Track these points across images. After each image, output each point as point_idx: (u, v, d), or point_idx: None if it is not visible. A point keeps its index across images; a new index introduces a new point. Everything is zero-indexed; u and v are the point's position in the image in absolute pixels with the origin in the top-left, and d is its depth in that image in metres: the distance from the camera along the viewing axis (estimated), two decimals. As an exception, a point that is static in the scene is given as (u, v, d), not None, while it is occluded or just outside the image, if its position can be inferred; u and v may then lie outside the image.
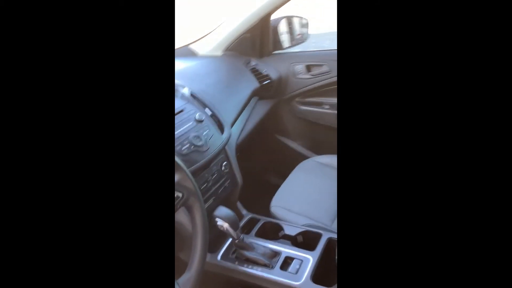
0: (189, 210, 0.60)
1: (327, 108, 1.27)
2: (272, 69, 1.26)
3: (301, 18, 1.42)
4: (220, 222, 0.74)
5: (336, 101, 1.25)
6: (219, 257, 0.80)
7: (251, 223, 0.92)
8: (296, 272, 0.74)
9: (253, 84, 1.17)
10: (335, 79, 1.21)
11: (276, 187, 1.07)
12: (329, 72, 1.22)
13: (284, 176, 1.14)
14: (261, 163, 1.43)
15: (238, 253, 0.80)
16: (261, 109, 1.23)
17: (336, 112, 1.26)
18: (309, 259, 0.76)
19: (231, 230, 0.74)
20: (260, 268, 0.76)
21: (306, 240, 0.84)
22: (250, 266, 0.77)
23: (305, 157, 1.25)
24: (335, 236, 0.82)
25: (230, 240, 0.84)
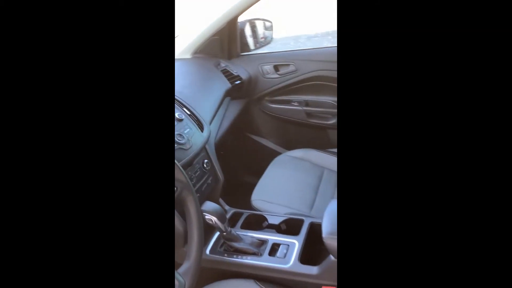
0: (183, 202, 0.62)
1: (295, 105, 1.34)
2: (242, 70, 1.30)
3: (265, 21, 1.49)
4: (208, 216, 0.76)
5: (304, 99, 1.33)
6: (207, 251, 0.82)
7: (235, 217, 0.95)
8: (284, 256, 0.78)
9: (225, 84, 1.20)
10: (302, 77, 1.29)
11: (252, 183, 1.11)
12: (296, 71, 1.29)
13: (258, 172, 1.18)
14: (237, 161, 1.46)
15: (226, 245, 0.83)
16: (233, 109, 1.27)
17: (304, 108, 1.33)
18: (294, 243, 0.81)
19: (219, 223, 0.76)
20: (249, 257, 0.79)
21: (289, 227, 0.89)
22: (239, 256, 0.80)
23: (277, 153, 1.30)
24: (315, 220, 0.88)
25: (216, 234, 0.86)
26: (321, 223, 0.84)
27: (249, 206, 1.03)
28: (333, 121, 1.31)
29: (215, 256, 0.81)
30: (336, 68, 1.24)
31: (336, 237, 0.68)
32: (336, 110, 1.29)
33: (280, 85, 1.32)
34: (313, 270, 0.73)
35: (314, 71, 1.26)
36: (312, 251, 0.83)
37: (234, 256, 0.80)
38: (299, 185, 1.10)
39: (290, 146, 1.37)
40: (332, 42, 3.94)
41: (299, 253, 0.78)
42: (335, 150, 1.36)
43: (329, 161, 1.20)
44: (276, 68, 1.32)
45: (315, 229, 0.85)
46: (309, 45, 3.97)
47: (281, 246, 0.81)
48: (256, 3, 1.17)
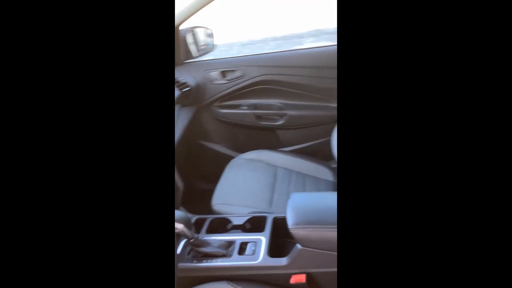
0: None
1: (244, 109, 1.39)
2: (188, 77, 1.30)
3: (206, 28, 1.51)
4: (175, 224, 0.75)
5: (252, 102, 1.38)
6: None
7: (199, 223, 0.95)
8: (253, 253, 0.81)
9: (174, 92, 1.19)
10: (249, 82, 1.34)
11: (208, 189, 1.12)
12: (242, 76, 1.34)
13: (213, 178, 1.20)
14: (191, 169, 1.45)
15: (194, 252, 0.83)
16: (184, 116, 1.26)
17: (253, 111, 1.39)
18: (261, 239, 0.84)
19: (186, 230, 0.76)
20: (219, 259, 0.80)
21: (254, 225, 0.92)
22: (209, 260, 0.80)
23: (230, 158, 1.33)
24: (277, 215, 0.93)
25: (183, 242, 0.85)
26: (283, 217, 0.89)
27: (210, 211, 1.04)
28: (281, 121, 1.38)
29: (184, 264, 0.80)
30: (280, 72, 1.32)
31: (300, 226, 0.73)
32: (282, 111, 1.37)
33: (228, 91, 1.36)
34: (282, 261, 0.78)
35: (259, 75, 1.32)
36: (279, 243, 0.87)
37: (204, 260, 0.80)
38: (257, 185, 1.14)
39: (242, 149, 1.40)
40: (271, 48, 4.13)
41: (267, 248, 0.82)
42: (286, 149, 1.43)
43: (282, 159, 1.27)
44: (223, 74, 1.35)
45: (278, 223, 0.90)
46: (245, 52, 4.11)
47: (249, 244, 0.84)
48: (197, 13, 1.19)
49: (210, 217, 0.96)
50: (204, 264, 0.80)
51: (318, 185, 1.18)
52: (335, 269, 0.75)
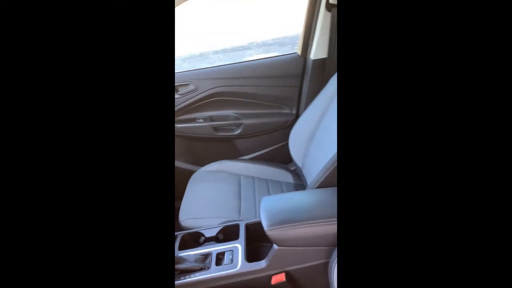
0: None
1: (201, 122, 1.39)
2: None
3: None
4: (148, 245, 0.73)
5: (208, 115, 1.39)
6: None
7: None
8: (231, 262, 0.82)
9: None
10: (202, 95, 1.35)
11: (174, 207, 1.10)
12: (196, 90, 1.35)
13: (177, 194, 1.17)
14: None
15: (171, 270, 0.80)
16: None
17: (210, 123, 1.40)
18: (237, 247, 0.85)
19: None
20: (198, 273, 0.79)
21: (227, 234, 0.93)
22: (187, 276, 0.79)
23: (190, 172, 1.32)
24: (249, 221, 0.95)
25: None
26: (255, 222, 0.92)
27: (179, 228, 1.02)
28: (238, 131, 1.41)
29: None
30: (232, 84, 1.35)
31: (276, 227, 0.76)
32: (239, 121, 1.40)
33: (182, 105, 1.35)
34: (261, 264, 0.79)
35: (213, 88, 1.34)
36: (255, 248, 0.89)
37: (182, 277, 0.79)
38: (223, 195, 1.15)
39: (202, 162, 1.40)
40: (208, 62, 4.16)
41: (244, 254, 0.83)
42: (246, 157, 1.47)
43: (243, 168, 1.30)
44: (176, 88, 1.34)
45: (252, 229, 0.92)
46: (186, 67, 4.09)
47: (225, 253, 0.84)
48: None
49: (180, 234, 0.94)
50: (183, 280, 0.78)
51: (281, 187, 1.23)
52: (312, 263, 0.79)
